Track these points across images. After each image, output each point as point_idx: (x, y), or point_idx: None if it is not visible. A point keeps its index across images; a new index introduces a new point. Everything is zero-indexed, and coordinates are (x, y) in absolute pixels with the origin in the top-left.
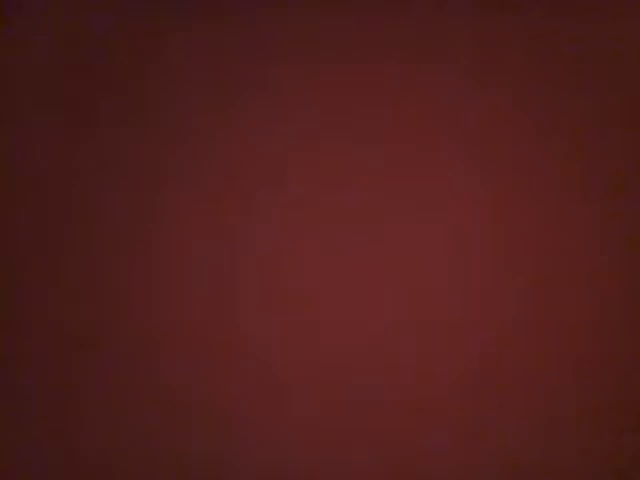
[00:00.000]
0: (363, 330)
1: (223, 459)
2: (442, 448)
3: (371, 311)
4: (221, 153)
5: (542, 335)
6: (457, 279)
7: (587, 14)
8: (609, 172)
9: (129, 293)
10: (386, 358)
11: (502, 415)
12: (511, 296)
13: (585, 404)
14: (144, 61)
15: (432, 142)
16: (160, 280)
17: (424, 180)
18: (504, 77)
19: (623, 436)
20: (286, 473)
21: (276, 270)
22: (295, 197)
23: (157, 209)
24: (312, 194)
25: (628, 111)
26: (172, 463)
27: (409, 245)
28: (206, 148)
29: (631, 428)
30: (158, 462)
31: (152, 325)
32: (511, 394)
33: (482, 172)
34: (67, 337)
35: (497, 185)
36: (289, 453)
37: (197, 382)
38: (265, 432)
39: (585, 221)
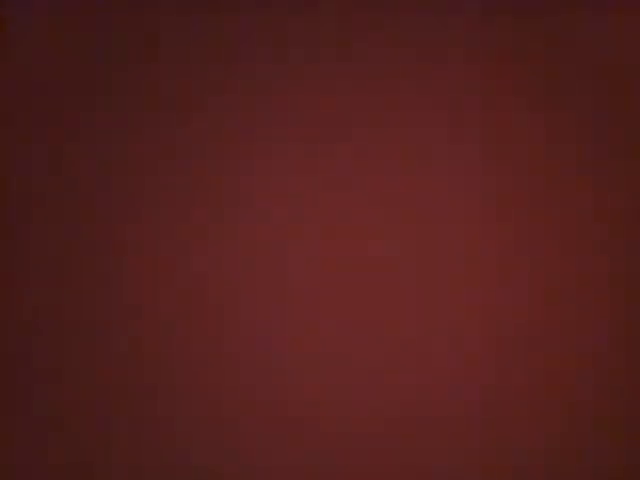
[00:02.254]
0: (363, 333)
1: (224, 455)
2: (442, 448)
3: (372, 313)
4: (221, 152)
5: (543, 337)
6: (459, 278)
7: (590, 14)
8: (613, 175)
9: (129, 290)
10: (387, 359)
11: (502, 415)
12: (514, 298)
13: (586, 406)
14: (143, 61)
15: (431, 142)
16: (158, 279)
17: (423, 180)
18: (505, 77)
19: (623, 439)
20: (286, 471)
21: (276, 269)
22: (295, 198)
23: (158, 205)
24: (313, 195)
25: (632, 115)
26: (170, 463)
27: (408, 245)
28: (206, 147)
29: (631, 431)
30: (155, 463)
31: (151, 323)
32: (512, 396)
33: (482, 172)
34: (63, 334)
35: (498, 185)
36: (289, 453)
37: (196, 381)
38: (265, 429)
39: (587, 221)
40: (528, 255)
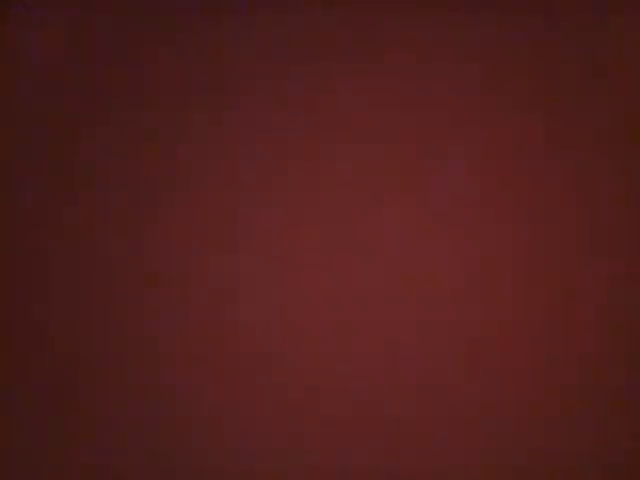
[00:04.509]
0: (363, 335)
1: (221, 458)
2: (445, 450)
3: (372, 316)
4: (221, 153)
5: (544, 338)
6: (460, 282)
7: (589, 16)
8: (614, 173)
9: (129, 292)
10: (386, 361)
11: (502, 415)
12: (515, 298)
13: (586, 404)
14: (144, 62)
15: (434, 144)
16: (159, 280)
17: (426, 181)
18: (506, 78)
19: (623, 437)
20: (285, 474)
21: (276, 273)
22: (295, 198)
23: (156, 208)
24: (313, 195)
25: (632, 114)
26: (168, 463)
27: (410, 247)
28: (206, 148)
29: (631, 429)
30: (154, 462)
31: (151, 323)
32: (513, 395)
33: (484, 176)
34: (62, 335)
35: (499, 189)
36: (289, 456)
37: (196, 382)
38: (265, 431)
39: (591, 225)
40: (528, 255)
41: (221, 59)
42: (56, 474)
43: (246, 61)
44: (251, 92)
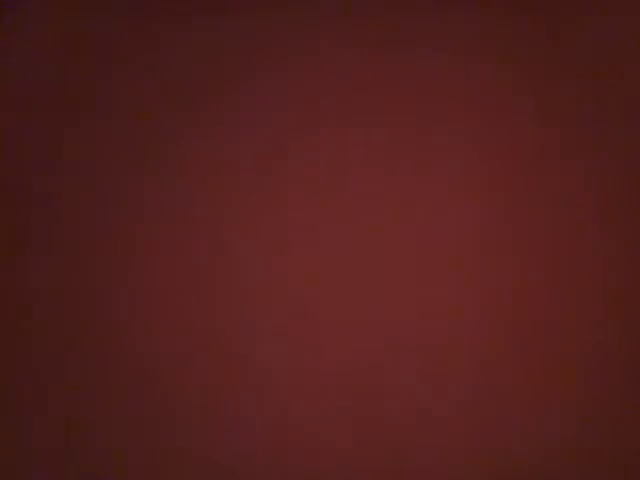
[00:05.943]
0: (359, 339)
1: (218, 459)
2: (441, 453)
3: (368, 318)
4: (221, 152)
5: (544, 341)
6: (458, 281)
7: (590, 12)
8: (615, 173)
9: (125, 296)
10: (384, 365)
11: (501, 418)
12: (514, 300)
13: (587, 408)
14: (144, 62)
15: (433, 140)
16: (156, 281)
17: (424, 179)
18: (507, 76)
19: (623, 439)
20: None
21: (271, 274)
22: (293, 197)
23: (156, 209)
24: (311, 194)
25: (632, 111)
26: (164, 462)
27: (408, 248)
28: (205, 147)
29: (632, 431)
30: (150, 461)
31: (149, 326)
32: (512, 399)
33: (484, 175)
34: (66, 337)
35: (499, 183)
36: (289, 456)
37: (195, 380)
38: (261, 432)
39: (587, 220)
40: (530, 252)
41: (221, 59)
42: (56, 473)
43: (246, 61)
44: (251, 92)
